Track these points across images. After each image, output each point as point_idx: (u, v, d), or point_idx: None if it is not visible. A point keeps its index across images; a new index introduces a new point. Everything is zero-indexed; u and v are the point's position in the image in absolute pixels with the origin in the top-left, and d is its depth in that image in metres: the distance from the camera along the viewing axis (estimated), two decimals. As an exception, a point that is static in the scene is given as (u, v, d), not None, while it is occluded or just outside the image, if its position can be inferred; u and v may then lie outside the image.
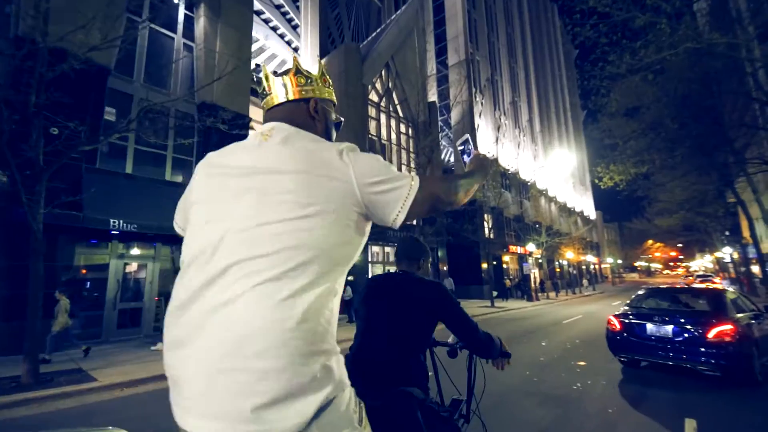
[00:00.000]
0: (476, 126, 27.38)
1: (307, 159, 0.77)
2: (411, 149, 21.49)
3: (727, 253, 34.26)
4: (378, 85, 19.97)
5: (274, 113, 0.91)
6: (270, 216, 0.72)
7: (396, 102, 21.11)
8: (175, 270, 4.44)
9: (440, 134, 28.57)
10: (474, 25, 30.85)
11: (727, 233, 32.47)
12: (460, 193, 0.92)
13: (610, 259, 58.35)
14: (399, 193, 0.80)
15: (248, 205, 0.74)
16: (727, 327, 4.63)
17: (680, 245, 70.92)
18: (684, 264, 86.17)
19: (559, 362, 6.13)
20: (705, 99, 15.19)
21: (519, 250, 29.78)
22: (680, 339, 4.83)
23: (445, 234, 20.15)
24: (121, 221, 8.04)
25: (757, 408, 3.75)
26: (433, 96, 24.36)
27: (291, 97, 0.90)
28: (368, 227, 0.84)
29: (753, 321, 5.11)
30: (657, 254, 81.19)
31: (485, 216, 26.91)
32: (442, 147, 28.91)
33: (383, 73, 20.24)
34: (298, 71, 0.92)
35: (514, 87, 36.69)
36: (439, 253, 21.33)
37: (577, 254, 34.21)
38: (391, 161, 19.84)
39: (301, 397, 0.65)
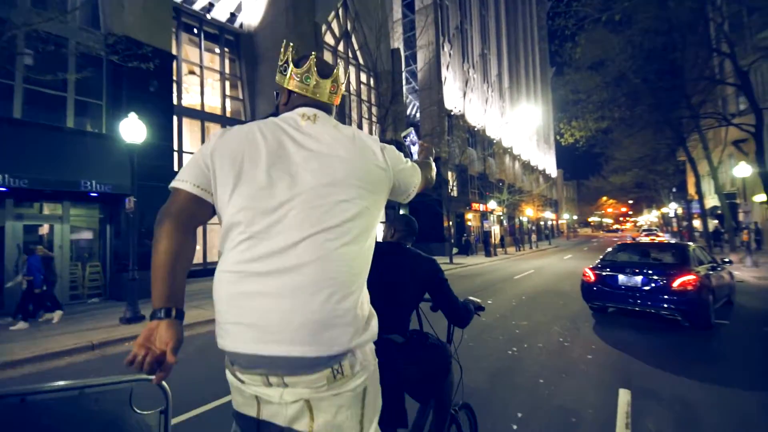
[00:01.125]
0: (443, 79, 26.09)
1: (362, 149, 0.98)
2: (372, 101, 20.14)
3: (672, 208, 36.59)
4: (335, 27, 18.04)
5: (308, 100, 1.05)
6: (340, 194, 0.90)
7: (356, 47, 19.33)
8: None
9: (405, 86, 27.14)
10: (443, -36, 28.35)
11: (674, 190, 34.41)
12: (433, 176, 1.26)
13: (566, 215, 61.23)
14: (415, 179, 1.14)
15: (318, 181, 0.90)
16: (690, 277, 5.15)
17: (631, 201, 75.66)
18: (632, 219, 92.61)
19: (501, 323, 5.93)
20: (669, 53, 15.07)
21: (482, 207, 30.11)
22: (648, 288, 5.37)
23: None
24: (7, 176, 6.70)
25: (695, 384, 3.54)
26: (397, 43, 22.58)
27: (334, 102, 1.11)
28: None
29: (711, 272, 5.66)
30: (609, 210, 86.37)
31: (449, 173, 26.57)
32: (407, 101, 27.57)
33: (341, 12, 18.22)
34: (335, 80, 1.09)
35: (484, 38, 35.02)
36: (401, 211, 20.97)
37: (536, 211, 35.22)
38: (349, 114, 18.54)
39: (362, 330, 0.91)
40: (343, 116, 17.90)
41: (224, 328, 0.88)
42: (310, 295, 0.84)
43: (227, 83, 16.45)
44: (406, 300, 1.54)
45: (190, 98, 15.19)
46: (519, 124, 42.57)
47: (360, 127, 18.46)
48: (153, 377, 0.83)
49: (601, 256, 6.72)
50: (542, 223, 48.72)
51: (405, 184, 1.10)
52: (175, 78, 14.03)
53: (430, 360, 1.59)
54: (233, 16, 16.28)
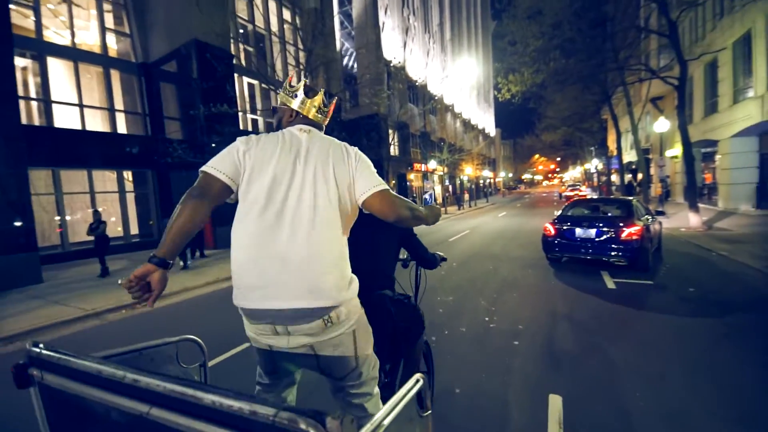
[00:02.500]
0: (381, 25, 23.89)
1: (339, 153, 1.28)
2: (300, 46, 17.68)
3: (594, 165, 39.49)
4: (247, -52, 14.98)
5: (304, 120, 1.39)
6: (332, 208, 1.22)
7: (275, -23, 16.45)
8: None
9: (340, 30, 24.51)
10: None
11: (596, 147, 36.90)
12: (409, 217, 1.32)
13: (503, 173, 64.01)
14: (370, 184, 1.28)
15: (310, 188, 1.20)
16: (636, 228, 5.98)
17: (558, 159, 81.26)
18: (559, 176, 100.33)
19: (426, 300, 5.22)
20: (602, 3, 14.93)
21: (423, 167, 29.63)
22: (601, 239, 6.14)
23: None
24: None
25: (624, 385, 3.03)
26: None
27: (322, 120, 1.44)
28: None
29: (649, 223, 6.48)
30: (540, 167, 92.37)
31: (389, 130, 25.33)
32: (343, 48, 25.06)
33: (253, -70, 15.10)
34: (324, 105, 1.43)
35: (424, -19, 32.65)
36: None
37: (475, 170, 35.79)
38: (271, 58, 16.10)
39: (345, 289, 1.22)
40: (265, 64, 15.49)
41: (240, 290, 1.20)
42: (306, 265, 1.15)
43: (109, 14, 13.11)
44: (389, 257, 1.89)
45: (56, 33, 11.88)
46: (460, 80, 41.93)
47: (285, 73, 16.18)
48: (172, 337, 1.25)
49: (557, 212, 7.53)
50: (481, 181, 50.28)
51: (359, 189, 1.28)
52: (31, 2, 10.73)
53: (411, 319, 1.92)
54: None
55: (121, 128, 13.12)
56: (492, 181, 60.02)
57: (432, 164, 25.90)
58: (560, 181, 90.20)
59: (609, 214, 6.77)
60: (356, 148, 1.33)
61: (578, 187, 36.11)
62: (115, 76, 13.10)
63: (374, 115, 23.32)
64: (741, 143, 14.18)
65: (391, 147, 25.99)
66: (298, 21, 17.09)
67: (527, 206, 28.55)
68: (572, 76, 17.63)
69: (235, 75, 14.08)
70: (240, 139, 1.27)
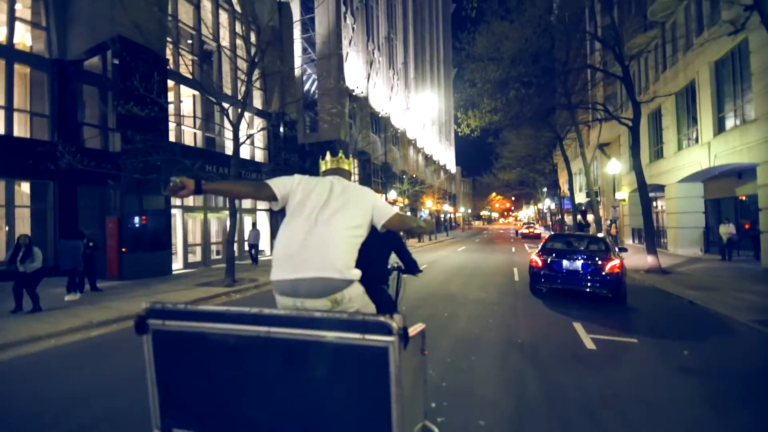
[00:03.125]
0: (345, 54, 23.60)
1: (360, 196, 1.77)
2: (257, 60, 16.57)
3: (546, 204, 41.07)
4: (200, -45, 13.98)
5: (333, 171, 2.03)
6: (348, 226, 1.67)
7: (231, -8, 15.50)
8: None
9: (303, 56, 23.92)
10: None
11: (548, 188, 38.51)
12: (416, 227, 1.86)
13: (462, 209, 65.24)
14: (388, 209, 1.79)
15: (335, 207, 1.70)
16: (617, 262, 6.43)
17: (513, 198, 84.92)
18: (514, 214, 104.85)
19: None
20: (554, 51, 15.49)
21: (384, 198, 28.82)
22: (587, 271, 6.50)
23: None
24: None
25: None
26: None
27: (345, 167, 2.09)
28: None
29: (622, 258, 6.86)
30: (497, 205, 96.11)
31: (350, 158, 24.39)
32: (305, 73, 24.38)
33: (209, -61, 14.22)
34: (341, 165, 2.08)
35: (391, 20, 33.60)
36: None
37: (436, 203, 35.67)
38: (219, 71, 14.77)
39: (349, 271, 1.62)
40: (210, 75, 14.12)
41: (276, 266, 1.65)
42: (324, 250, 1.59)
43: (25, 4, 11.31)
44: (384, 259, 2.38)
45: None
46: (423, 115, 42.89)
47: (234, 87, 14.85)
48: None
49: (540, 244, 7.89)
50: (442, 216, 50.57)
51: (379, 217, 1.78)
52: None
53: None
54: None
55: (21, 131, 10.92)
56: (452, 215, 60.80)
57: (392, 194, 25.13)
58: (515, 219, 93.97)
59: (589, 248, 7.21)
60: (368, 188, 1.89)
61: (533, 225, 37.21)
62: (21, 71, 11.08)
63: (333, 141, 22.41)
64: (687, 188, 14.66)
65: (351, 176, 25.02)
66: (252, 37, 16.09)
67: (486, 242, 28.38)
68: (526, 119, 18.11)
69: (172, 83, 12.53)
70: (298, 176, 1.87)
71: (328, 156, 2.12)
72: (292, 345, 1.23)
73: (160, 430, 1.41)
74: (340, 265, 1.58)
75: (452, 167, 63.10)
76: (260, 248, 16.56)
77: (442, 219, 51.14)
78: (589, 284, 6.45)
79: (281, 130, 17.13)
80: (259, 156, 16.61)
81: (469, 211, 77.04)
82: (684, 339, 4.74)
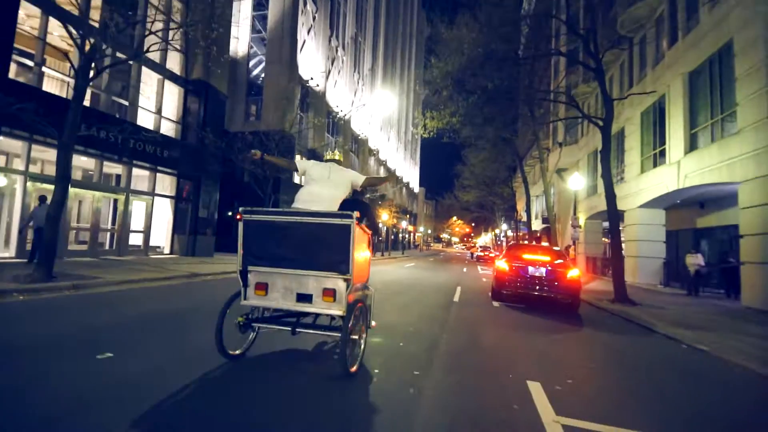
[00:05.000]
0: (301, 42, 21.28)
1: (342, 173, 3.35)
2: (187, 18, 13.67)
3: (504, 230, 40.48)
4: None
5: (330, 160, 3.52)
6: (333, 192, 3.24)
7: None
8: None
9: (252, 34, 21.29)
10: None
11: (505, 210, 38.08)
12: (379, 182, 4.06)
13: (422, 228, 63.94)
14: (359, 178, 3.42)
15: (326, 184, 3.25)
16: (577, 272, 7.25)
17: (473, 224, 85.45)
18: (473, 240, 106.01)
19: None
20: (518, 58, 14.23)
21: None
22: (550, 278, 7.12)
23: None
24: None
25: None
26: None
27: (336, 158, 3.57)
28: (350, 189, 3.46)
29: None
30: (457, 229, 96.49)
31: (297, 156, 21.70)
32: (251, 52, 21.70)
33: None
34: (335, 157, 3.57)
35: (360, 23, 32.03)
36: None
37: (391, 217, 33.55)
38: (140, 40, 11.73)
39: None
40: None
41: (295, 202, 3.21)
42: (324, 198, 3.15)
43: None
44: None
45: None
46: (388, 128, 41.40)
47: (165, 55, 11.89)
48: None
49: (503, 254, 8.48)
50: (400, 234, 48.62)
51: (355, 183, 3.35)
52: None
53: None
54: None
55: None
56: (411, 234, 59.13)
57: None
58: (474, 245, 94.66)
59: (549, 258, 7.63)
60: (349, 170, 3.48)
61: (489, 248, 36.20)
62: None
63: (277, 131, 19.62)
64: (649, 214, 13.50)
65: (297, 176, 22.27)
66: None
67: (439, 261, 26.50)
68: (488, 119, 16.75)
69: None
70: (312, 161, 3.50)
71: (328, 152, 3.62)
72: (314, 225, 2.87)
73: (242, 267, 2.98)
74: (327, 205, 3.10)
75: (415, 186, 62.02)
76: (154, 243, 13.18)
77: (400, 237, 49.22)
78: (551, 290, 7.02)
79: (203, 106, 14.21)
80: (169, 130, 13.49)
81: (429, 231, 76.08)
82: (703, 412, 2.55)
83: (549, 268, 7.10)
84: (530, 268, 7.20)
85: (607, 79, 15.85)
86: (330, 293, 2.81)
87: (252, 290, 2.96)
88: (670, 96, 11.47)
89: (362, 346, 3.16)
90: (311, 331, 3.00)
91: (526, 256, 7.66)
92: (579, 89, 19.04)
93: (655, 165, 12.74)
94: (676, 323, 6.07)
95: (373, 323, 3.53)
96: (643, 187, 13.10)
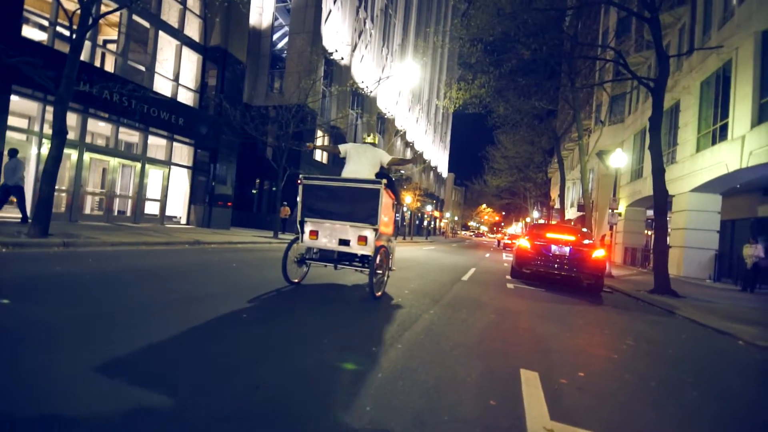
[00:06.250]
0: (327, 12, 20.49)
1: (373, 152, 4.32)
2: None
3: (535, 218, 38.47)
4: None
5: (365, 142, 4.58)
6: (368, 166, 4.23)
7: None
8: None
9: (276, 3, 20.76)
10: None
11: (539, 197, 36.05)
12: (403, 161, 4.84)
13: (448, 215, 62.43)
14: (386, 157, 4.40)
15: (362, 160, 4.25)
16: (603, 252, 6.93)
17: (503, 212, 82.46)
18: (503, 230, 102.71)
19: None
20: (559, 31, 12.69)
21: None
22: (574, 258, 6.83)
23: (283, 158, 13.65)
24: None
25: None
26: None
27: (371, 141, 4.62)
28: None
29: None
30: (486, 218, 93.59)
31: (318, 131, 21.27)
32: (276, 23, 21.22)
33: None
34: (368, 140, 4.64)
35: (390, -6, 30.60)
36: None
37: (415, 200, 32.64)
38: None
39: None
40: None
41: (343, 172, 4.44)
42: (362, 171, 4.19)
43: None
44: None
45: None
46: (416, 109, 39.98)
47: (183, 20, 11.65)
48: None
49: (525, 233, 8.80)
50: (426, 220, 47.60)
51: (383, 161, 4.31)
52: None
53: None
54: None
55: None
56: (437, 220, 57.85)
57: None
58: (503, 233, 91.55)
59: (574, 238, 7.35)
60: (379, 149, 4.44)
61: (518, 236, 34.57)
62: None
63: (300, 106, 19.19)
64: (702, 200, 11.89)
65: (318, 152, 21.90)
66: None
67: (464, 247, 25.55)
68: (524, 114, 15.38)
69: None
70: (350, 143, 5.26)
71: (365, 135, 4.61)
72: (352, 188, 3.92)
73: (301, 218, 4.09)
74: (365, 175, 4.06)
75: (444, 171, 60.24)
76: (171, 213, 13.26)
77: (425, 223, 48.22)
78: (575, 270, 6.75)
79: (221, 75, 13.92)
80: (187, 98, 13.34)
81: (456, 218, 74.29)
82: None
83: (573, 247, 6.83)
84: (553, 247, 6.96)
85: (664, 45, 13.99)
86: (363, 239, 3.89)
87: (307, 236, 4.10)
88: (738, 60, 9.76)
89: (384, 280, 4.37)
90: (348, 266, 4.27)
91: (550, 235, 7.42)
92: (630, 59, 17.02)
93: (714, 142, 11.08)
94: (731, 317, 5.04)
95: (393, 268, 4.80)
96: (697, 168, 11.48)
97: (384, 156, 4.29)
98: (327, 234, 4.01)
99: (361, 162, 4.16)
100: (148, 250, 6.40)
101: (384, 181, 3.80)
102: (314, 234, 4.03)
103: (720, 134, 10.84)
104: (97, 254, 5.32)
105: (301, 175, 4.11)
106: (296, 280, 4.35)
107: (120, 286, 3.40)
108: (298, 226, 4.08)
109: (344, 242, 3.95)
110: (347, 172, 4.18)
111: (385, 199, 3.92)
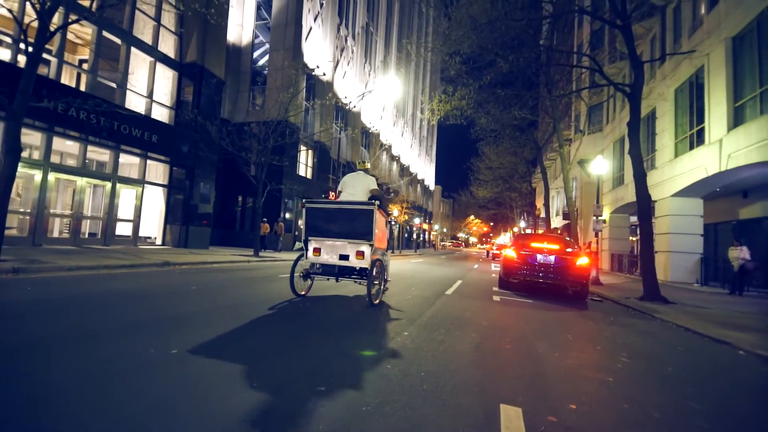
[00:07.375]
0: (307, 29, 20.56)
1: (363, 180, 5.03)
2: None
3: (522, 227, 38.64)
4: None
5: (360, 169, 5.30)
6: (361, 192, 4.97)
7: None
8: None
9: (256, 21, 20.73)
10: None
11: (524, 207, 36.21)
12: (379, 192, 5.19)
13: (437, 227, 62.40)
14: (373, 185, 5.06)
15: (357, 187, 5.00)
16: (586, 260, 6.96)
17: (491, 223, 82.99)
18: (491, 241, 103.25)
19: None
20: (536, 44, 12.92)
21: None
22: (559, 266, 6.94)
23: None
24: None
25: None
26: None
27: (363, 168, 5.33)
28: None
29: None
30: (474, 229, 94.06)
31: (301, 146, 21.01)
32: (256, 40, 21.15)
33: None
34: (362, 167, 5.36)
35: (371, 10, 31.10)
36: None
37: (402, 213, 32.42)
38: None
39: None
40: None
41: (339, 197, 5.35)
42: (355, 198, 4.99)
43: None
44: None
45: None
46: (401, 123, 40.23)
47: (157, 37, 11.37)
48: None
49: (511, 243, 8.52)
50: (415, 232, 47.39)
51: (371, 189, 4.96)
52: None
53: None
54: None
55: None
56: (426, 233, 57.68)
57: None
58: (491, 244, 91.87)
59: (558, 247, 7.29)
60: (371, 177, 5.08)
61: (505, 246, 34.54)
62: None
63: (281, 121, 18.97)
64: (684, 204, 11.94)
65: (302, 166, 21.58)
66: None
67: (452, 258, 25.27)
68: (504, 125, 15.52)
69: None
70: (345, 177, 5.20)
71: (359, 163, 5.24)
72: (349, 209, 4.48)
73: (305, 237, 4.68)
74: (360, 198, 4.77)
75: (431, 184, 60.49)
76: (145, 233, 12.66)
77: (414, 235, 47.96)
78: (560, 278, 6.84)
79: (197, 91, 13.61)
80: (162, 115, 12.95)
81: (445, 230, 74.35)
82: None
83: (557, 256, 6.98)
84: (539, 256, 7.08)
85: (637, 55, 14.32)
86: (360, 254, 4.44)
87: (311, 253, 4.66)
88: (711, 65, 9.95)
89: (381, 289, 4.98)
90: (348, 279, 4.84)
91: (535, 245, 7.46)
92: (605, 70, 17.37)
93: (691, 147, 11.20)
94: (725, 324, 4.82)
95: (389, 279, 5.51)
96: (677, 173, 11.57)
97: (372, 184, 4.98)
98: (329, 250, 4.58)
99: (356, 188, 4.91)
100: (107, 274, 5.91)
101: (377, 202, 4.46)
102: (317, 251, 4.61)
103: (697, 139, 10.97)
104: (45, 281, 4.83)
105: (304, 200, 4.80)
106: (302, 293, 4.95)
107: (35, 318, 2.97)
108: (303, 245, 4.70)
109: (344, 257, 4.52)
110: (345, 196, 4.90)
111: (379, 218, 4.61)
